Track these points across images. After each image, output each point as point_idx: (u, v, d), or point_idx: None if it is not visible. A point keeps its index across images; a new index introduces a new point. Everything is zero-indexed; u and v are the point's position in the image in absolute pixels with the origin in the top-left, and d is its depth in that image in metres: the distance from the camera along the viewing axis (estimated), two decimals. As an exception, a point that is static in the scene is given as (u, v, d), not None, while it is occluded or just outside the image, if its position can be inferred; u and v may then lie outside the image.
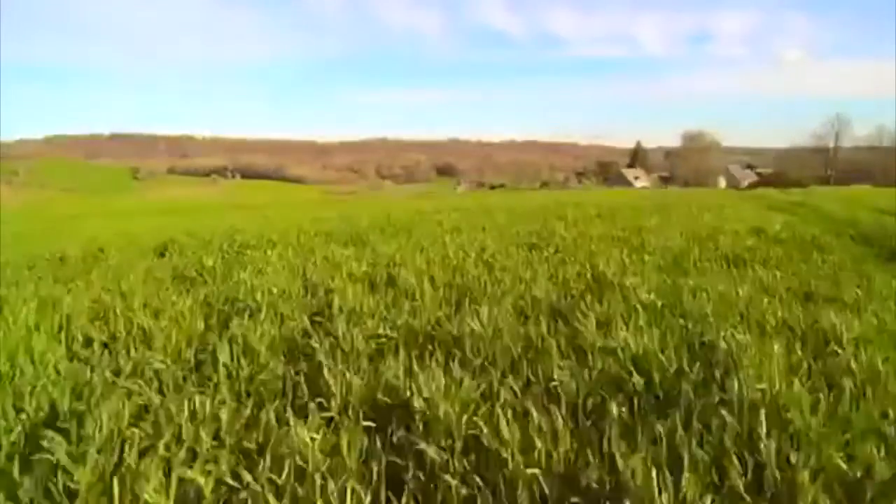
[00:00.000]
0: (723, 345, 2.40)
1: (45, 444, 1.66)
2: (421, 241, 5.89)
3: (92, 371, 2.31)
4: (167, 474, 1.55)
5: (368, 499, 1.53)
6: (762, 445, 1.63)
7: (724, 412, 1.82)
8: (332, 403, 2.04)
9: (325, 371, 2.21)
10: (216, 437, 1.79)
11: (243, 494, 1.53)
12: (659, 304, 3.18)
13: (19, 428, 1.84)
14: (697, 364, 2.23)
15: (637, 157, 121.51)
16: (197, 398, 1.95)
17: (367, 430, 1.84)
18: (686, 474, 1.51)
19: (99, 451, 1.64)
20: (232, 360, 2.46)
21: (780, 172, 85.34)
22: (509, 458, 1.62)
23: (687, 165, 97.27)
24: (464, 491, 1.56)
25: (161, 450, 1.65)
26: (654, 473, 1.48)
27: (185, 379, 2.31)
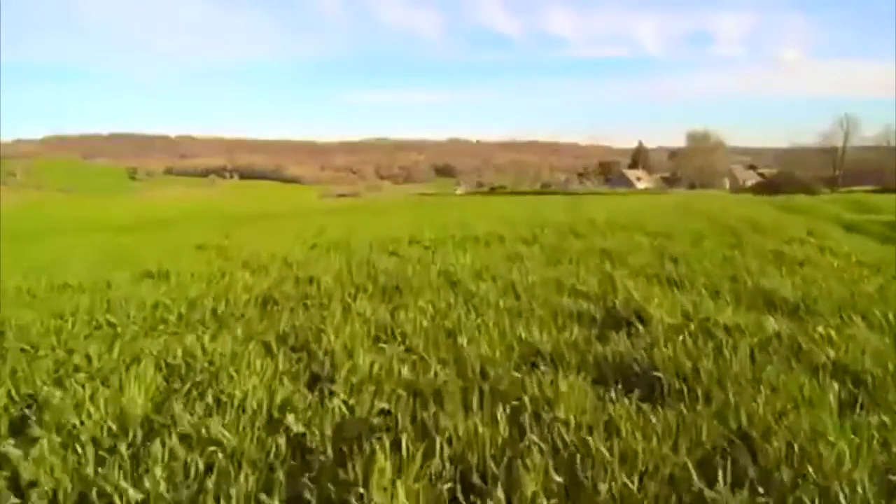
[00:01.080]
0: None
1: None
2: (418, 340, 3.26)
3: None
4: None
5: None
6: None
7: None
8: None
9: None
10: None
11: None
12: None
13: None
14: None
15: (639, 157, 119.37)
16: None
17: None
18: None
19: None
20: None
21: (786, 173, 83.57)
22: None
23: (691, 166, 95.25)
24: None
25: None
26: None
27: None
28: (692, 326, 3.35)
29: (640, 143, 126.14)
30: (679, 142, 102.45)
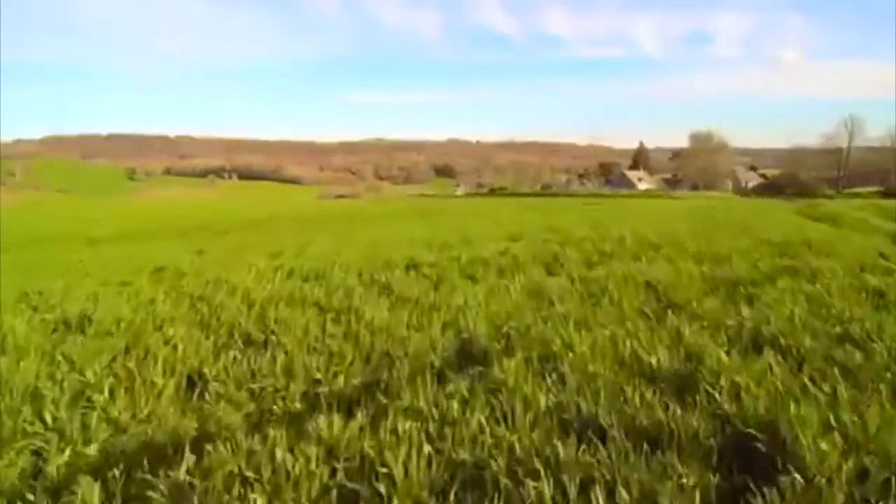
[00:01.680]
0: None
1: None
2: None
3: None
4: None
5: None
6: None
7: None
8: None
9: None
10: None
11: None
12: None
13: None
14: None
15: (640, 158, 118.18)
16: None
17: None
18: None
19: None
20: None
21: (789, 174, 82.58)
22: None
23: (694, 167, 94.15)
24: None
25: None
26: None
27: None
28: (881, 475, 1.96)
29: (641, 144, 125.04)
30: (678, 142, 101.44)
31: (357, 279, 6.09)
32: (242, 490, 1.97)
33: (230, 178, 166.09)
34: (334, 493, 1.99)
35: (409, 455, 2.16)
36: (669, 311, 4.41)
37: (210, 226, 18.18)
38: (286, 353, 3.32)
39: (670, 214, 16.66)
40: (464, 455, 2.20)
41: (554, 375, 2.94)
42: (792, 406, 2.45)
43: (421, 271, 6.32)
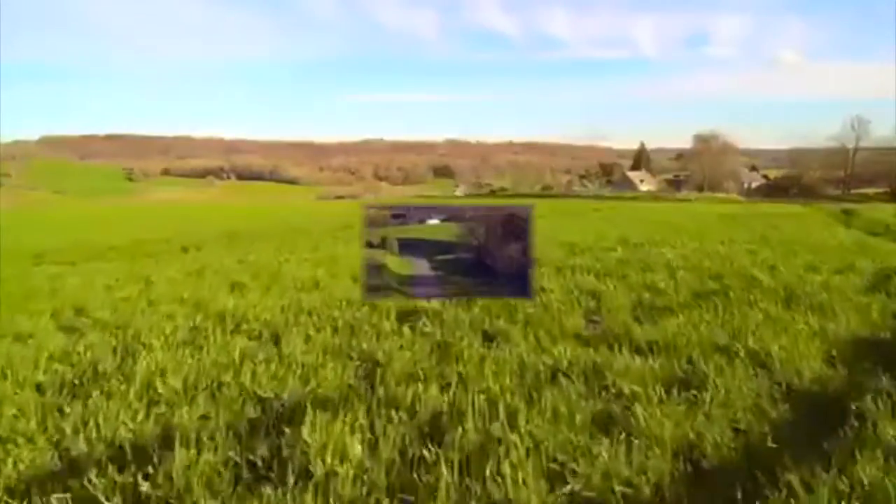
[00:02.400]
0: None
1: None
2: None
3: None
4: None
5: None
6: None
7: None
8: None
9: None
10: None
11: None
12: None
13: None
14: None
15: (641, 159, 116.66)
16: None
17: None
18: None
19: None
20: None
21: (793, 175, 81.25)
22: None
23: (699, 168, 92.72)
24: None
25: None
26: None
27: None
28: None
29: (642, 145, 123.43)
30: (679, 143, 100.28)
31: (329, 338, 4.35)
32: None
33: (229, 178, 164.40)
34: None
35: None
36: (819, 422, 2.67)
37: (181, 237, 16.39)
38: None
39: (697, 223, 14.90)
40: None
41: None
42: None
43: (418, 328, 4.55)
